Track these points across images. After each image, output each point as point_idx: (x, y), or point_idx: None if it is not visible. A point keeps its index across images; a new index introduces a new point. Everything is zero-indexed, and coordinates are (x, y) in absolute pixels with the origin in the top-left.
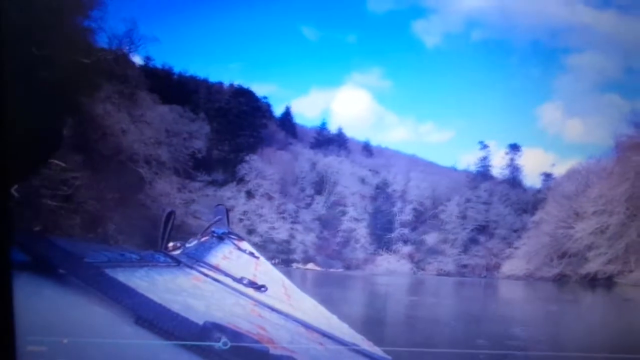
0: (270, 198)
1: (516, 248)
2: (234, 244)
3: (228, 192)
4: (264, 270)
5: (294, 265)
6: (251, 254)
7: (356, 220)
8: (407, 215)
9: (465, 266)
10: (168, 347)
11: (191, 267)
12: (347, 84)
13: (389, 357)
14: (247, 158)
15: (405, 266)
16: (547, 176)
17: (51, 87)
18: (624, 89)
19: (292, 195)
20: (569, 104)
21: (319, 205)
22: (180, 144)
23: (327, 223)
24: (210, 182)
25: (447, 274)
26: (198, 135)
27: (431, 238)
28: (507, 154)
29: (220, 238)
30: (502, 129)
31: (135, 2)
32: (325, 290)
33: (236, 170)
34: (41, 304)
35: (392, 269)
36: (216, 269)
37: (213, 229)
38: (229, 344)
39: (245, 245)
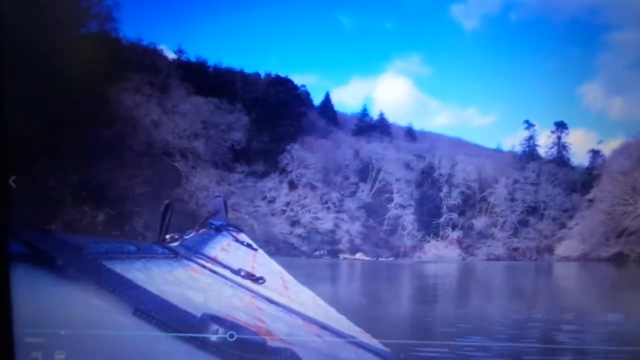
0: (313, 188)
1: (570, 228)
2: (232, 235)
3: (269, 183)
4: (262, 262)
5: (341, 255)
6: (249, 245)
7: (402, 207)
8: (454, 200)
9: (515, 249)
10: (166, 339)
11: (189, 259)
12: (388, 72)
13: (387, 350)
14: (288, 147)
15: (454, 252)
16: (595, 153)
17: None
18: None
19: (335, 184)
20: (610, 82)
21: (364, 193)
22: (218, 136)
23: (372, 211)
24: (249, 173)
25: (497, 258)
26: (236, 126)
27: (480, 222)
28: (553, 132)
29: (218, 230)
30: (544, 110)
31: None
32: (380, 282)
33: (277, 160)
34: (39, 296)
35: (440, 255)
36: (214, 260)
37: (211, 220)
38: (235, 336)
39: (243, 237)
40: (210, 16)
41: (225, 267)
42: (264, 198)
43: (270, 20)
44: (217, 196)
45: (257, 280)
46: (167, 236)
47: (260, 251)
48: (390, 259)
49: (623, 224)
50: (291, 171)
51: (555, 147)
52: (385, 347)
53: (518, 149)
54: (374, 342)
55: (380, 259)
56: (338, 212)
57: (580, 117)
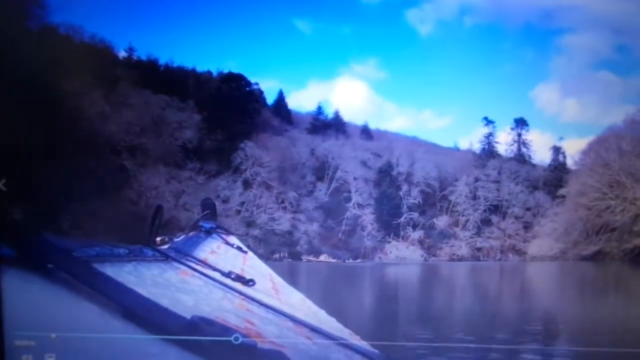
0: (268, 187)
1: (542, 226)
2: (222, 238)
3: (223, 182)
4: (251, 264)
5: (304, 258)
6: (239, 248)
7: (361, 206)
8: (414, 199)
9: (479, 249)
10: (156, 342)
11: (179, 262)
12: (344, 76)
13: (376, 351)
14: (242, 145)
15: (416, 252)
16: (557, 150)
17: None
18: (617, 67)
19: (292, 183)
20: (564, 85)
21: (321, 192)
22: (169, 134)
23: (330, 211)
24: (200, 171)
25: (460, 259)
26: (188, 124)
27: (441, 221)
28: (512, 129)
29: (208, 232)
30: (499, 113)
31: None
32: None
33: (231, 159)
34: (29, 299)
35: (402, 257)
36: (204, 263)
37: (201, 223)
38: (240, 339)
39: (233, 239)
40: (166, 17)
41: (215, 269)
42: (217, 197)
43: (227, 24)
44: (207, 199)
45: (247, 282)
46: (158, 239)
47: (250, 253)
48: (359, 261)
49: (603, 219)
50: (245, 169)
51: (515, 145)
52: (374, 349)
53: (477, 146)
54: (364, 344)
55: (347, 261)
56: (295, 212)
57: (535, 118)
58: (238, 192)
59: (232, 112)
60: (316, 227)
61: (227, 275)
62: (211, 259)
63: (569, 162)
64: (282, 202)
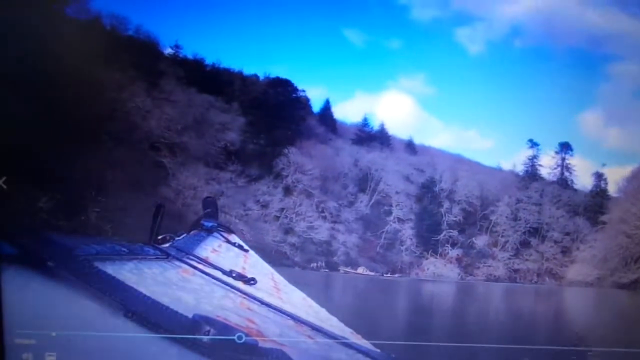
0: (309, 195)
1: (582, 251)
2: (223, 236)
3: (263, 187)
4: (253, 263)
5: (342, 269)
6: (240, 247)
7: (401, 220)
8: (455, 216)
9: (516, 271)
10: (157, 340)
11: (180, 260)
12: (391, 89)
13: (378, 350)
14: (285, 151)
15: (453, 271)
16: (599, 176)
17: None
18: None
19: (333, 193)
20: (609, 112)
21: (362, 204)
22: (211, 135)
23: (370, 223)
24: (242, 174)
25: (497, 279)
26: (231, 126)
27: (480, 241)
28: (557, 153)
29: (210, 231)
30: (543, 137)
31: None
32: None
33: (273, 164)
34: (29, 297)
35: (439, 274)
36: (205, 261)
37: (202, 221)
38: (244, 338)
39: (234, 238)
40: (214, 18)
41: (216, 268)
42: (257, 202)
43: (277, 29)
44: (208, 197)
45: (249, 281)
46: (159, 237)
47: (251, 252)
48: (397, 275)
49: None
50: (287, 176)
51: (559, 169)
52: (375, 348)
53: (520, 168)
54: (365, 343)
55: (385, 275)
56: (334, 222)
57: (577, 143)
58: (278, 198)
59: (277, 117)
60: (355, 239)
61: (229, 274)
62: (212, 258)
63: (611, 189)
64: (322, 211)
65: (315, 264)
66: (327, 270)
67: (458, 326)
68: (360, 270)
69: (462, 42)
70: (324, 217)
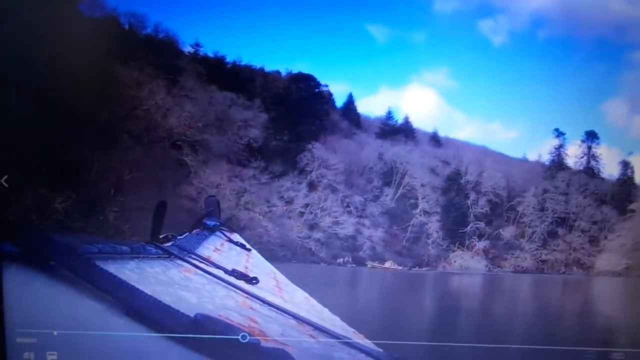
0: (334, 190)
1: (610, 240)
2: (226, 236)
3: (287, 183)
4: (255, 262)
5: (369, 264)
6: (242, 246)
7: (427, 213)
8: (481, 208)
9: (544, 262)
10: (159, 339)
11: (182, 259)
12: (415, 83)
13: (380, 350)
14: (309, 146)
15: (481, 262)
16: (626, 165)
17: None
18: None
19: (358, 187)
20: (633, 100)
21: (388, 197)
22: (234, 133)
23: (396, 217)
24: (265, 170)
25: (525, 271)
26: (254, 123)
27: (507, 232)
28: (583, 141)
29: (212, 230)
30: (568, 127)
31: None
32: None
33: (296, 160)
34: (31, 296)
35: (466, 266)
36: (207, 261)
37: (204, 220)
38: (248, 338)
39: (236, 237)
40: (235, 15)
41: (218, 267)
42: (281, 198)
43: (299, 25)
44: (211, 196)
45: (251, 280)
46: (161, 236)
47: (254, 251)
48: (425, 269)
49: None
50: (311, 171)
51: (585, 157)
52: (377, 347)
53: (546, 158)
54: (367, 343)
55: (413, 268)
56: (360, 216)
57: (603, 132)
58: (302, 193)
59: (300, 113)
60: (380, 233)
61: (231, 273)
62: (215, 257)
63: (638, 178)
64: (347, 205)
65: (341, 260)
66: (354, 265)
67: (493, 324)
68: (387, 264)
69: (484, 34)
70: (349, 212)
